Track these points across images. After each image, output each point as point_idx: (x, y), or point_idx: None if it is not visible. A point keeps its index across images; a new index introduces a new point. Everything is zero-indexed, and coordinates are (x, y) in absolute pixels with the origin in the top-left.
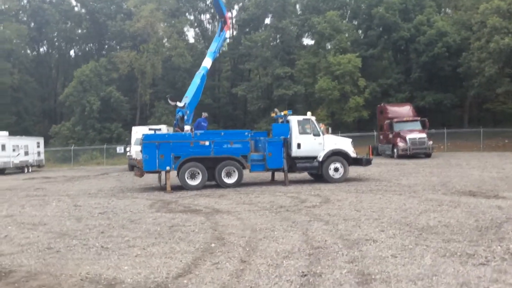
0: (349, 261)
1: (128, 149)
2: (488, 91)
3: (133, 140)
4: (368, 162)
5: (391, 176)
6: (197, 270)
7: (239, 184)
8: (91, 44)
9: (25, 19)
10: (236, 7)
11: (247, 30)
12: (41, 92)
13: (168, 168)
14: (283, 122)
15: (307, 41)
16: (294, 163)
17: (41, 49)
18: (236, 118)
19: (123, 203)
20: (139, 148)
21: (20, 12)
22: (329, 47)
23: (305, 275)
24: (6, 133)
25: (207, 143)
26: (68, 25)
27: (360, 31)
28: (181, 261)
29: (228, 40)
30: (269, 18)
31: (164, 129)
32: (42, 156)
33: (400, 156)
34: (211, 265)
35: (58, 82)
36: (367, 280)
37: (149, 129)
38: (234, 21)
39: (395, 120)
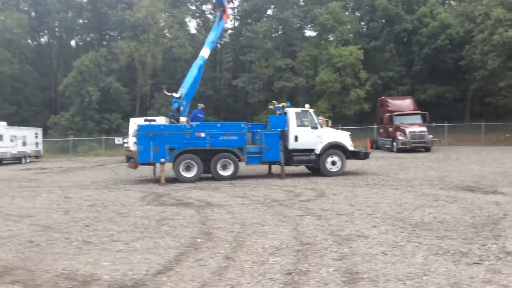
0: (338, 258)
1: (125, 140)
2: (490, 85)
3: (131, 132)
4: (366, 156)
5: (389, 170)
6: (179, 267)
7: (234, 177)
8: (92, 34)
9: (26, 8)
10: None
11: (249, 21)
12: (42, 82)
13: (162, 160)
14: (280, 114)
15: (309, 32)
16: (291, 156)
17: (42, 39)
18: (237, 110)
19: (115, 196)
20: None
21: (21, 1)
22: (331, 38)
23: (290, 273)
24: (4, 123)
25: (203, 135)
26: (69, 15)
27: (362, 23)
28: (163, 257)
29: (229, 31)
30: (271, 9)
31: (163, 120)
32: (41, 147)
33: (399, 150)
34: (193, 262)
35: (58, 72)
36: (354, 279)
37: (144, 120)
38: (235, 12)
39: (396, 113)
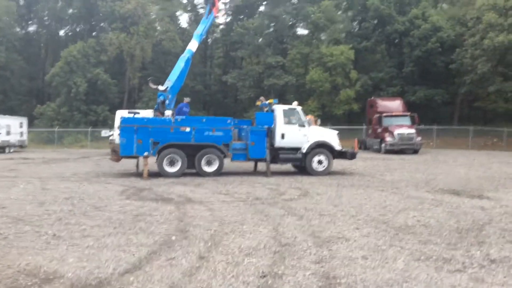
0: (316, 261)
1: (111, 133)
2: (480, 89)
3: (116, 124)
4: (353, 156)
5: (375, 171)
6: (148, 266)
7: (219, 173)
8: (82, 25)
9: None
10: None
11: (241, 17)
12: (29, 71)
13: (146, 153)
14: (268, 111)
15: (301, 30)
16: (277, 154)
17: (31, 28)
18: (226, 106)
19: (94, 188)
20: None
21: None
22: (323, 37)
23: (265, 276)
24: None
25: (188, 129)
26: (59, 4)
27: (354, 23)
28: (134, 255)
29: (221, 27)
30: (264, 5)
31: (150, 114)
32: (25, 137)
33: (387, 151)
34: (165, 261)
35: (46, 62)
36: (331, 284)
37: (128, 112)
38: (227, 7)
39: (385, 114)
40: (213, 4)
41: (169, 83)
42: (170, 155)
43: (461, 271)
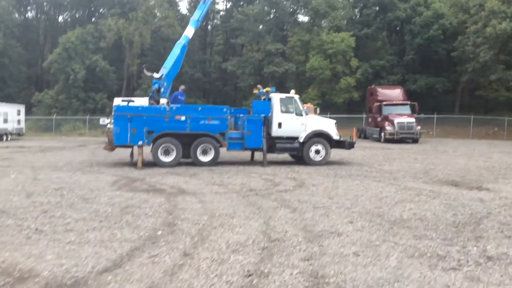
0: (305, 258)
1: (108, 120)
2: (482, 78)
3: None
4: (351, 145)
5: (374, 161)
6: (129, 264)
7: (215, 162)
8: (81, 10)
9: None
10: None
11: (241, 3)
12: (27, 58)
13: (140, 142)
14: (265, 99)
15: (302, 17)
16: (274, 143)
17: (29, 14)
18: (226, 94)
19: (86, 179)
20: None
21: None
22: (323, 24)
23: (250, 275)
24: None
25: (183, 118)
26: None
27: (355, 10)
28: (116, 251)
29: (221, 13)
30: None
31: (145, 102)
32: (23, 125)
33: (387, 140)
34: (147, 258)
35: (45, 49)
36: (319, 284)
37: (122, 100)
38: None
39: (385, 103)
40: None
41: (164, 70)
42: (165, 144)
43: (456, 269)
